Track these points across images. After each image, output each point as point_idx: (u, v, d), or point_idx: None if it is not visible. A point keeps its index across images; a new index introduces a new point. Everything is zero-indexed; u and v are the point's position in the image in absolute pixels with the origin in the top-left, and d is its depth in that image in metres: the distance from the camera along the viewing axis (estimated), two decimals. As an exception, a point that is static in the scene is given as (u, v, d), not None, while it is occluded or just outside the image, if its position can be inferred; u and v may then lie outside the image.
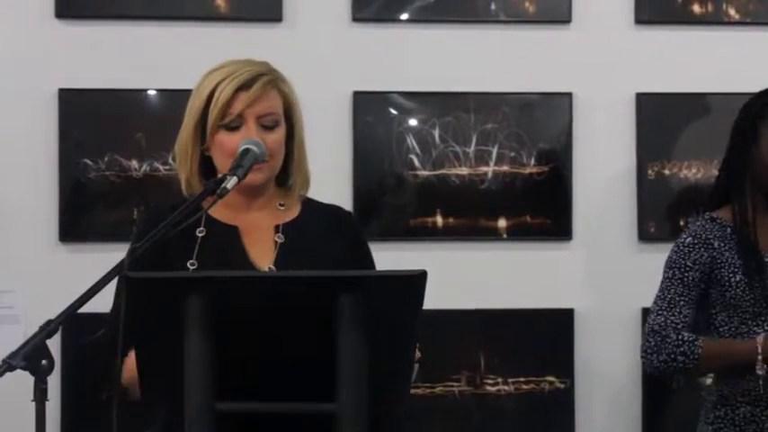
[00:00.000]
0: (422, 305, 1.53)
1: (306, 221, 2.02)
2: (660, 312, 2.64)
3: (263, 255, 1.95)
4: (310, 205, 2.05)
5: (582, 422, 3.22)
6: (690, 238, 2.68)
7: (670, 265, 2.70)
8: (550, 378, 3.21)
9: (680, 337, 2.56)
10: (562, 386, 3.20)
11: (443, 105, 3.16)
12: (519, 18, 3.26)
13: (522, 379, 3.20)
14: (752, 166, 2.66)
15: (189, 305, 1.44)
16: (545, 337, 3.18)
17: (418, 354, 1.79)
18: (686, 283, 2.65)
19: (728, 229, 2.65)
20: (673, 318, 2.63)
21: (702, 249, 2.65)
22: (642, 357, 2.65)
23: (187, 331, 1.46)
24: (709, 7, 3.30)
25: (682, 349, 2.57)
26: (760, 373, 2.56)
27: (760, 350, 2.52)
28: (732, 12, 3.34)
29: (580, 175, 3.22)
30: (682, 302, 2.64)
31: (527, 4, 3.25)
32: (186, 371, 1.48)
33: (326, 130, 2.97)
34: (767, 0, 3.33)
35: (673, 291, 2.68)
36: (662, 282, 2.71)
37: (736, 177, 2.71)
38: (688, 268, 2.65)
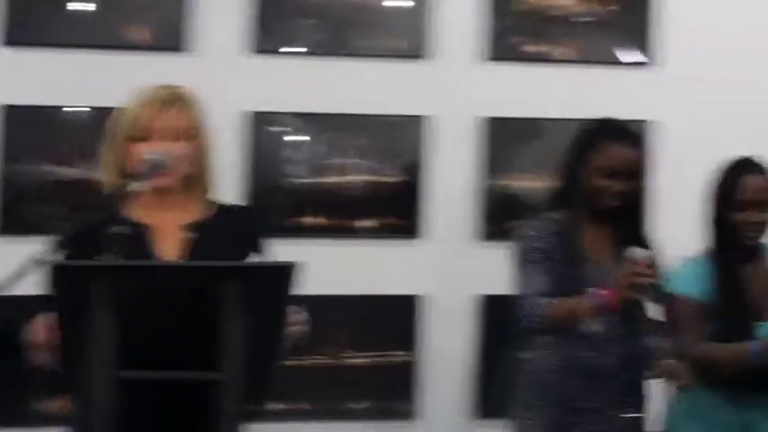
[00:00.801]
0: (293, 290, 1.76)
1: (214, 221, 2.22)
2: (522, 288, 2.94)
3: (169, 249, 2.14)
4: (222, 208, 2.26)
5: (424, 388, 3.68)
6: (532, 231, 2.99)
7: (518, 253, 3.00)
8: (399, 353, 3.68)
9: (533, 302, 2.91)
10: (408, 359, 3.67)
11: (321, 124, 3.62)
12: (384, 53, 3.71)
13: (375, 353, 3.66)
14: (580, 184, 2.96)
15: (93, 289, 1.66)
16: (395, 318, 3.64)
17: (301, 327, 2.13)
18: (534, 261, 2.94)
19: (559, 229, 2.95)
20: (528, 290, 2.92)
21: (541, 240, 2.95)
22: (520, 322, 3.00)
23: (93, 311, 1.67)
24: (542, 48, 3.81)
25: (535, 311, 2.86)
26: (588, 325, 2.92)
27: (588, 303, 2.81)
28: (557, 52, 3.86)
29: (431, 185, 3.69)
30: (534, 277, 2.93)
31: (393, 41, 3.71)
32: (93, 344, 1.68)
33: (224, 144, 3.43)
34: (585, 44, 3.86)
35: (525, 270, 2.96)
36: (516, 268, 2.99)
37: (567, 190, 3.01)
38: (533, 250, 2.95)
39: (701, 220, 3.09)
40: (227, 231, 2.24)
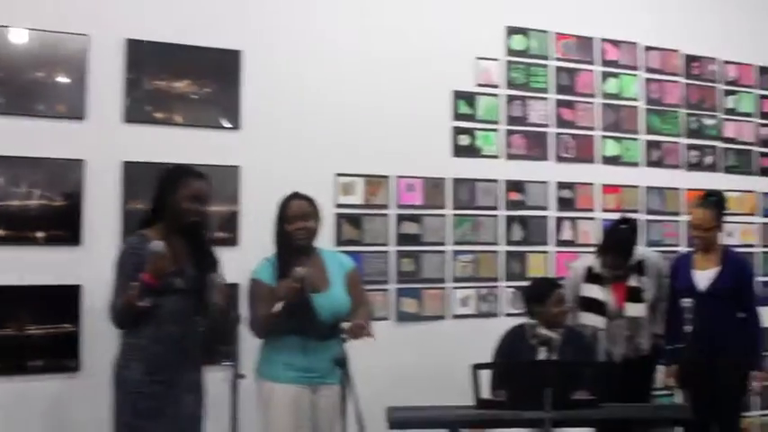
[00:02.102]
0: None
1: None
2: (116, 296, 3.53)
3: None
4: None
5: (85, 354, 4.48)
6: (127, 246, 3.65)
7: (117, 265, 3.59)
8: (67, 325, 4.51)
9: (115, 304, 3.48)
10: (74, 329, 4.51)
11: (7, 162, 4.41)
12: (54, 114, 4.51)
13: (49, 326, 4.48)
14: (171, 207, 3.64)
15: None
16: (64, 301, 4.48)
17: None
18: (127, 275, 3.50)
19: (152, 241, 3.50)
20: (117, 296, 3.51)
21: (135, 256, 3.55)
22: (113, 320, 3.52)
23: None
24: (166, 115, 4.82)
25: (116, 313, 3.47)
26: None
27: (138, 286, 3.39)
28: (177, 118, 4.87)
29: (87, 208, 4.58)
30: (123, 286, 3.47)
31: (59, 106, 4.53)
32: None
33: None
34: (195, 113, 4.87)
35: (121, 281, 3.54)
36: (114, 278, 3.59)
37: (157, 213, 3.68)
38: (128, 265, 3.55)
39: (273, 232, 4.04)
40: None
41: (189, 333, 3.72)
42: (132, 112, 4.81)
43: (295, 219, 4.03)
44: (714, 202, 4.94)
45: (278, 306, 3.78)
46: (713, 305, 4.75)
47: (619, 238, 4.91)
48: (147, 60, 4.86)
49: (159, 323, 3.60)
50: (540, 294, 4.67)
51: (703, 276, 4.85)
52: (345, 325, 3.87)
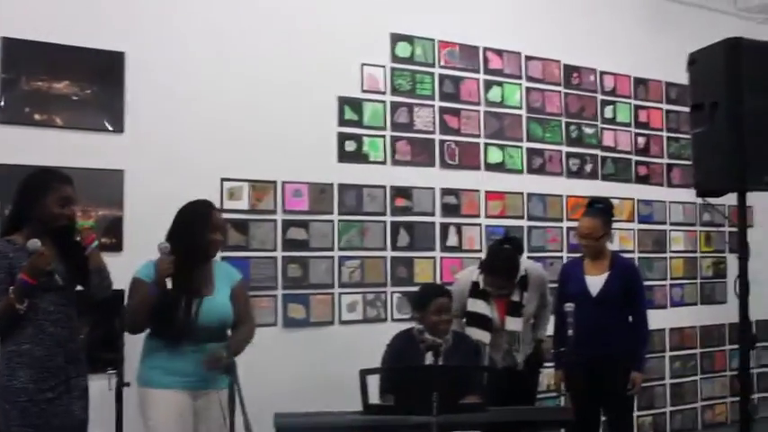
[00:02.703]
0: None
1: None
2: None
3: None
4: None
5: None
6: None
7: None
8: None
9: None
10: None
11: None
12: None
13: None
14: (40, 212, 3.62)
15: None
16: None
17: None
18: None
19: (17, 246, 3.55)
20: None
21: (4, 259, 3.55)
22: None
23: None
24: (45, 116, 4.72)
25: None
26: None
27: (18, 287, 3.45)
28: (58, 119, 4.79)
29: None
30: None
31: None
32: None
33: None
34: (76, 115, 4.77)
35: None
36: None
37: (22, 218, 3.66)
38: None
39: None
40: None
41: (71, 336, 3.70)
42: (9, 113, 4.71)
43: (216, 229, 4.08)
44: (602, 209, 5.08)
45: (168, 283, 3.81)
46: (604, 310, 4.89)
47: (503, 259, 4.98)
48: (25, 60, 4.75)
49: (39, 325, 3.58)
50: (420, 302, 4.70)
51: (594, 282, 4.96)
52: (215, 348, 3.88)
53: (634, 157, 7.52)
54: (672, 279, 7.70)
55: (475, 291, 5.05)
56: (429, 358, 4.51)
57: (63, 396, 3.63)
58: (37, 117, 4.79)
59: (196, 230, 3.95)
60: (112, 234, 4.98)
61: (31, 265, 3.51)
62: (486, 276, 5.02)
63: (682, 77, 4.52)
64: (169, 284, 3.82)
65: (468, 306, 5.05)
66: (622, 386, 4.94)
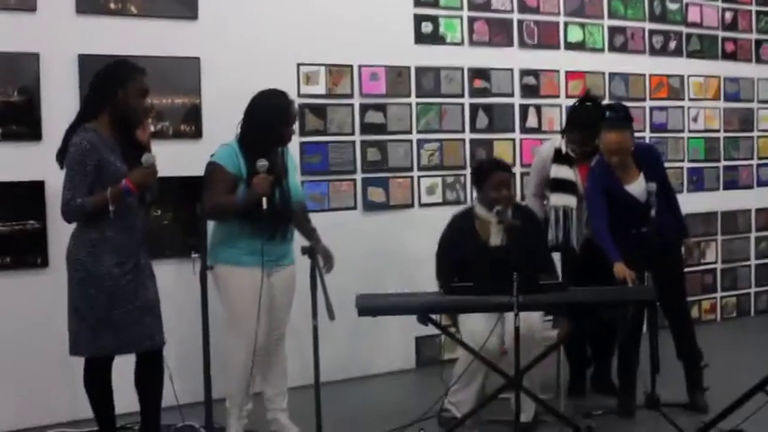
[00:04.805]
0: None
1: None
2: (74, 192, 3.50)
3: None
4: None
5: (52, 250, 4.48)
6: (84, 142, 3.54)
7: (74, 162, 3.52)
8: (32, 221, 4.56)
9: (74, 201, 3.47)
10: (39, 226, 4.56)
11: None
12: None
13: (14, 222, 4.53)
14: (118, 102, 3.63)
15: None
16: (29, 199, 4.51)
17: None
18: (86, 172, 3.52)
19: (103, 136, 3.58)
20: (70, 192, 3.51)
21: (93, 151, 3.52)
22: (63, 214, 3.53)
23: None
24: (121, 5, 4.71)
25: (75, 208, 3.49)
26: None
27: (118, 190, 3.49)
28: (133, 7, 4.76)
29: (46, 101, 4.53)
30: (78, 182, 3.51)
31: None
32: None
33: None
34: (151, 3, 4.78)
35: (80, 178, 3.53)
36: (71, 173, 3.52)
37: (101, 105, 3.62)
38: (87, 162, 3.52)
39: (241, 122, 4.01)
40: None
41: (139, 221, 3.82)
42: (85, 3, 4.70)
43: (294, 122, 4.18)
44: (624, 118, 4.62)
45: (264, 203, 3.84)
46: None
47: (585, 114, 4.85)
48: (99, -53, 4.72)
49: (121, 213, 3.64)
50: (479, 177, 4.62)
51: (636, 190, 4.61)
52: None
53: (721, 33, 7.24)
54: (759, 159, 7.51)
55: (558, 156, 4.95)
56: (494, 236, 4.44)
57: (139, 276, 3.74)
58: (112, 6, 4.79)
59: (277, 122, 4.01)
60: (192, 121, 5.02)
61: (143, 179, 3.63)
62: (568, 134, 4.92)
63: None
64: (265, 204, 3.85)
65: (551, 173, 4.96)
66: (675, 263, 4.72)
